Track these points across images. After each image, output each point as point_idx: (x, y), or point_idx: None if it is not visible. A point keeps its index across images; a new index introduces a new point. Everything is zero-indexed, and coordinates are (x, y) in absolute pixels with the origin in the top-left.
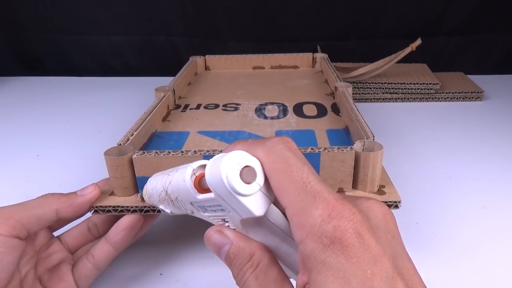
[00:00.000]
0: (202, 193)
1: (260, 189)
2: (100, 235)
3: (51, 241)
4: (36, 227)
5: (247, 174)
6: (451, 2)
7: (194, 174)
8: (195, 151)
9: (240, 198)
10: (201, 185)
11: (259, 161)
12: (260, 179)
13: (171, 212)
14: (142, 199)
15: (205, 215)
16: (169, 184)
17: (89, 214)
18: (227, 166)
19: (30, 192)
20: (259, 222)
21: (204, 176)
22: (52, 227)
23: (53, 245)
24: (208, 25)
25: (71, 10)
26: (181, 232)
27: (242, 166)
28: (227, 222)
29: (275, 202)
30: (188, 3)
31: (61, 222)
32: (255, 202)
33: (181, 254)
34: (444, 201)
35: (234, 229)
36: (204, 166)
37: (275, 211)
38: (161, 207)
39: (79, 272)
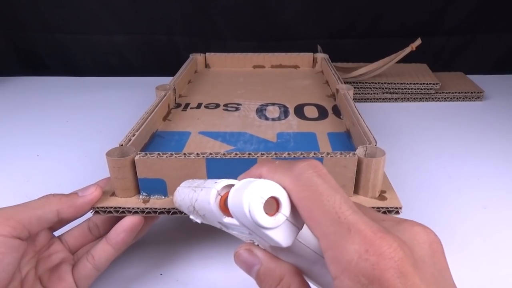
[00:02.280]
0: (228, 214)
1: (286, 219)
2: (101, 235)
3: (51, 241)
4: (37, 227)
5: (271, 206)
6: (451, 2)
7: (219, 194)
8: (197, 154)
9: (265, 231)
10: (227, 205)
11: (286, 189)
12: (286, 210)
13: (202, 222)
14: (144, 201)
15: (233, 233)
16: (195, 201)
17: (89, 214)
18: (250, 199)
19: (30, 192)
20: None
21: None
22: (53, 227)
23: (54, 245)
24: (208, 25)
25: (72, 9)
26: (181, 232)
27: (266, 198)
28: (255, 242)
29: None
30: (188, 3)
31: (62, 222)
32: (281, 233)
33: (181, 254)
34: (444, 200)
35: (264, 249)
36: (229, 186)
37: (307, 233)
38: (191, 216)
39: (79, 272)
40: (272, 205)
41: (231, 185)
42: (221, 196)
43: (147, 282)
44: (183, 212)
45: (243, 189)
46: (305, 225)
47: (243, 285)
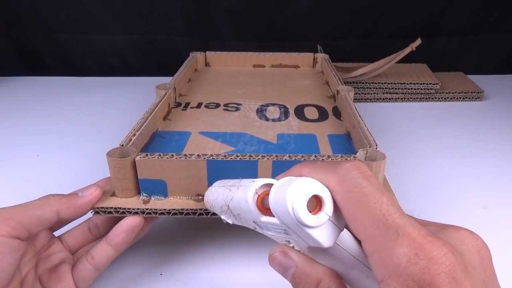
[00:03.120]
0: (265, 213)
1: (329, 219)
2: (101, 236)
3: (51, 241)
4: (37, 228)
5: (315, 205)
6: (451, 3)
7: (257, 193)
8: (198, 155)
9: (307, 230)
10: (264, 204)
11: (329, 188)
12: (329, 209)
13: (233, 222)
14: (144, 202)
15: (268, 233)
16: (230, 200)
17: (89, 214)
18: (294, 196)
19: (30, 192)
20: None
21: (267, 194)
22: (52, 227)
23: (54, 245)
24: (208, 25)
25: (72, 9)
26: (181, 232)
27: (310, 196)
28: (291, 243)
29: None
30: (188, 3)
31: (62, 222)
32: (323, 233)
33: (181, 254)
34: (444, 200)
35: (299, 251)
36: (267, 185)
37: (346, 236)
38: (222, 217)
39: (79, 272)
40: (315, 204)
41: (269, 184)
42: (259, 195)
43: (147, 282)
44: (183, 213)
45: (286, 186)
46: (346, 231)
47: (243, 285)
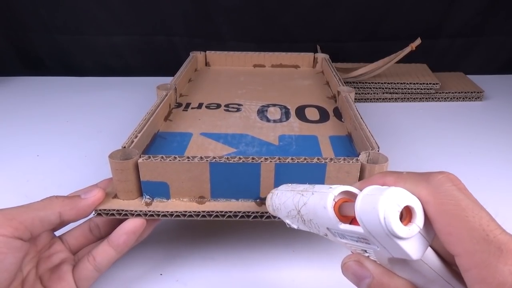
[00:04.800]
0: (343, 221)
1: (419, 231)
2: (102, 236)
3: (52, 241)
4: (39, 229)
5: (407, 216)
6: (454, 4)
7: (334, 200)
8: (201, 158)
9: (398, 241)
10: (341, 211)
11: (421, 200)
12: (420, 221)
13: (298, 227)
14: (146, 204)
15: (341, 241)
16: (303, 205)
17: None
18: (386, 206)
19: (30, 192)
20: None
21: (345, 201)
22: (54, 228)
23: (55, 245)
24: (208, 25)
25: (71, 10)
26: (181, 232)
27: (402, 207)
28: (367, 253)
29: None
30: (188, 3)
31: (64, 224)
32: (412, 245)
33: (181, 254)
34: None
35: (375, 261)
36: (345, 193)
37: (428, 250)
38: (287, 221)
39: (79, 273)
40: (405, 215)
41: (347, 192)
42: (335, 202)
43: (147, 282)
44: (185, 215)
45: (377, 195)
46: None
47: (243, 285)
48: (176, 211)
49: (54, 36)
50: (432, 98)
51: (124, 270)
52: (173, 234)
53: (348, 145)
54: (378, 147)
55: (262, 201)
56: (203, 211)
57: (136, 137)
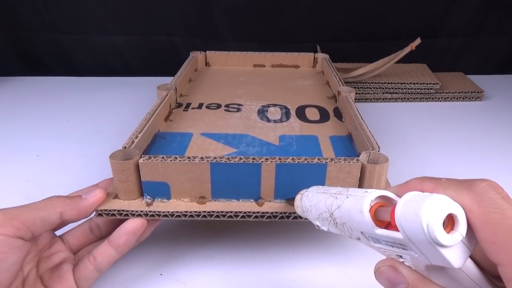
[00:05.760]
0: (379, 225)
1: (461, 240)
2: (102, 236)
3: (53, 240)
4: (40, 229)
5: (449, 223)
6: (453, 4)
7: (369, 204)
8: (202, 158)
9: (440, 249)
10: (376, 216)
11: (464, 208)
12: (463, 229)
13: (328, 230)
14: (147, 204)
15: (375, 246)
16: (337, 208)
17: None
18: (430, 214)
19: (30, 192)
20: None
21: (380, 206)
22: (54, 228)
23: (55, 244)
24: (208, 25)
25: (71, 10)
26: (181, 232)
27: (446, 214)
28: (402, 258)
29: None
30: (188, 3)
31: (65, 223)
32: (454, 253)
33: (181, 254)
34: None
35: (410, 267)
36: (380, 197)
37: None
38: (317, 223)
39: (80, 273)
40: (448, 222)
41: (383, 196)
42: (371, 206)
43: (147, 282)
44: (186, 215)
45: (420, 201)
46: None
47: (243, 285)
48: (177, 211)
49: (54, 36)
50: (432, 98)
51: (124, 270)
52: (173, 234)
53: (348, 145)
54: (379, 147)
55: (262, 201)
56: (204, 211)
57: (136, 137)
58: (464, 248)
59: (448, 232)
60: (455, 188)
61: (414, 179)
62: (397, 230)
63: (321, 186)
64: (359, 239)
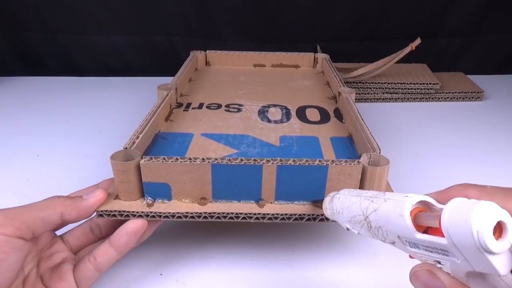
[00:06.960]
0: (418, 230)
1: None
2: (103, 236)
3: (53, 240)
4: (41, 229)
5: (497, 231)
6: (453, 4)
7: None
8: (203, 159)
9: (488, 256)
10: (416, 221)
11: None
12: (511, 236)
13: (359, 233)
14: (148, 205)
15: (411, 250)
16: (373, 211)
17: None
18: (481, 220)
19: (30, 192)
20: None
21: (419, 211)
22: (55, 228)
23: (56, 244)
24: (208, 25)
25: (71, 10)
26: (181, 232)
27: (496, 221)
28: (440, 264)
29: None
30: (188, 3)
31: (65, 224)
32: (501, 261)
33: (181, 254)
34: None
35: (448, 273)
36: (421, 203)
37: None
38: (348, 226)
39: (80, 273)
40: (496, 229)
41: (424, 202)
42: (411, 211)
43: (147, 282)
44: (187, 216)
45: (469, 208)
46: None
47: (243, 285)
48: (178, 212)
49: (54, 36)
50: (432, 98)
51: (124, 270)
52: (173, 234)
53: (349, 147)
54: (380, 149)
55: (263, 203)
56: (205, 212)
57: (137, 138)
58: (510, 256)
59: (496, 239)
60: (502, 195)
61: (456, 185)
62: (440, 235)
63: (353, 189)
64: (393, 243)
